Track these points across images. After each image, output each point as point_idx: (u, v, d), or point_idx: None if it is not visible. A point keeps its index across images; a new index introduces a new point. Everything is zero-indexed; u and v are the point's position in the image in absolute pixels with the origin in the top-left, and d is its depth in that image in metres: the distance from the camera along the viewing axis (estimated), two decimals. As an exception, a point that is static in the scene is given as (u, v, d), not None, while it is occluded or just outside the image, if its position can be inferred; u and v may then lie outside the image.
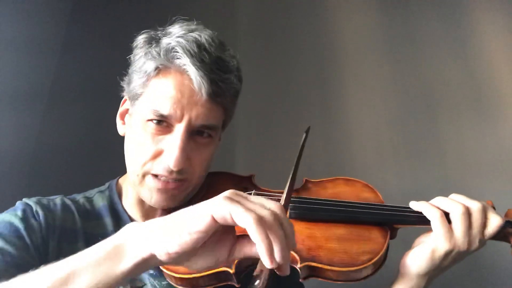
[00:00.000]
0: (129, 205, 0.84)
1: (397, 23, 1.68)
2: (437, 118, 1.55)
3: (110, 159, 1.51)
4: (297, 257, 0.70)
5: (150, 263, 0.51)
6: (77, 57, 1.67)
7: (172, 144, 0.73)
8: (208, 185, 0.86)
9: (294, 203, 0.78)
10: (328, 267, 0.69)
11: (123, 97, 0.86)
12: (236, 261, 0.68)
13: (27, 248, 0.70)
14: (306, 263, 0.70)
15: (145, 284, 0.78)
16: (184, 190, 0.79)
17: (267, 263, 0.47)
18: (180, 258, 0.50)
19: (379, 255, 0.72)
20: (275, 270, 0.50)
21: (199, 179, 0.81)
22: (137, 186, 0.79)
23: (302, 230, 0.75)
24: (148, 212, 0.84)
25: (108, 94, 1.56)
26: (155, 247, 0.50)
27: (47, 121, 1.57)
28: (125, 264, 0.50)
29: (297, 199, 0.79)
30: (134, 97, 0.78)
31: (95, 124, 1.56)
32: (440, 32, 1.61)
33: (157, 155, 0.75)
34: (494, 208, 0.78)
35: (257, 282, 0.50)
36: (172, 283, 0.75)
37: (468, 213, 0.72)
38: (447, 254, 0.72)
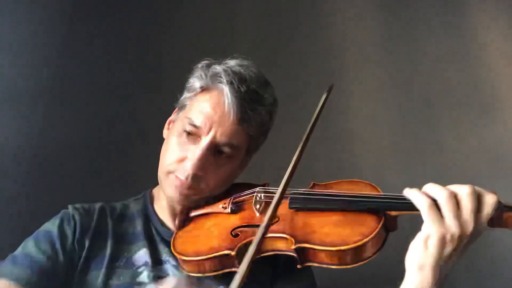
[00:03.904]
0: (160, 208, 1.00)
1: (397, 24, 1.68)
2: (437, 118, 1.55)
3: (111, 158, 1.52)
4: (293, 240, 0.77)
5: None
6: (77, 57, 1.67)
7: (195, 152, 0.88)
8: (226, 192, 0.97)
9: (293, 196, 0.86)
10: (320, 247, 0.75)
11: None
12: (238, 245, 0.80)
13: (56, 255, 0.86)
14: (299, 245, 0.76)
15: (168, 275, 0.89)
16: (196, 195, 0.92)
17: None
18: None
19: (369, 237, 0.74)
20: None
21: (212, 191, 0.94)
22: (163, 182, 0.93)
23: (299, 219, 0.82)
24: (174, 213, 0.97)
25: (108, 93, 1.57)
26: None
27: (48, 121, 1.57)
28: None
29: (295, 192, 0.87)
30: (181, 108, 0.96)
31: (96, 123, 1.56)
32: (440, 33, 1.61)
33: (181, 160, 0.90)
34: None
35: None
36: (183, 271, 0.86)
37: (453, 196, 0.71)
38: (442, 240, 0.69)
